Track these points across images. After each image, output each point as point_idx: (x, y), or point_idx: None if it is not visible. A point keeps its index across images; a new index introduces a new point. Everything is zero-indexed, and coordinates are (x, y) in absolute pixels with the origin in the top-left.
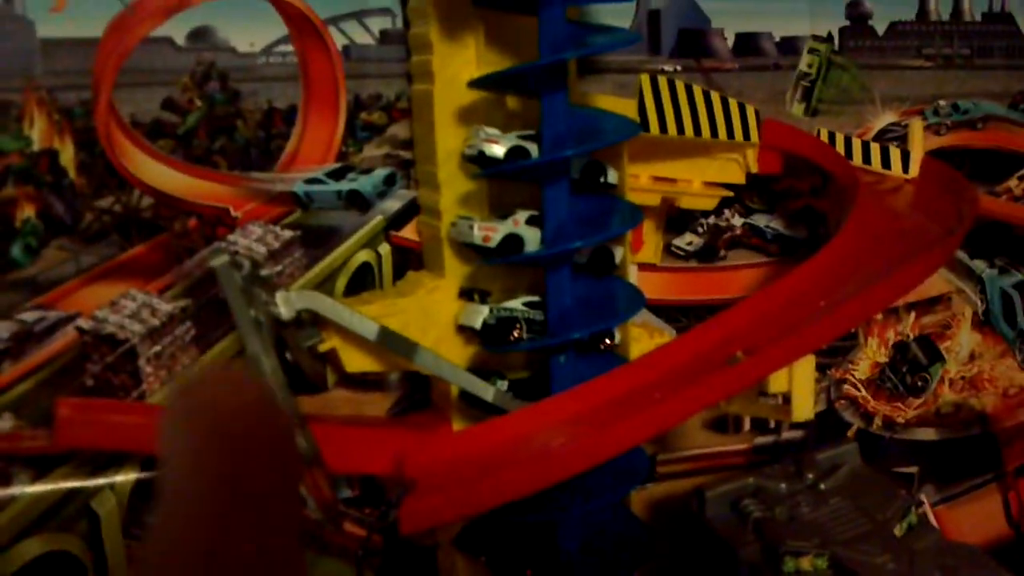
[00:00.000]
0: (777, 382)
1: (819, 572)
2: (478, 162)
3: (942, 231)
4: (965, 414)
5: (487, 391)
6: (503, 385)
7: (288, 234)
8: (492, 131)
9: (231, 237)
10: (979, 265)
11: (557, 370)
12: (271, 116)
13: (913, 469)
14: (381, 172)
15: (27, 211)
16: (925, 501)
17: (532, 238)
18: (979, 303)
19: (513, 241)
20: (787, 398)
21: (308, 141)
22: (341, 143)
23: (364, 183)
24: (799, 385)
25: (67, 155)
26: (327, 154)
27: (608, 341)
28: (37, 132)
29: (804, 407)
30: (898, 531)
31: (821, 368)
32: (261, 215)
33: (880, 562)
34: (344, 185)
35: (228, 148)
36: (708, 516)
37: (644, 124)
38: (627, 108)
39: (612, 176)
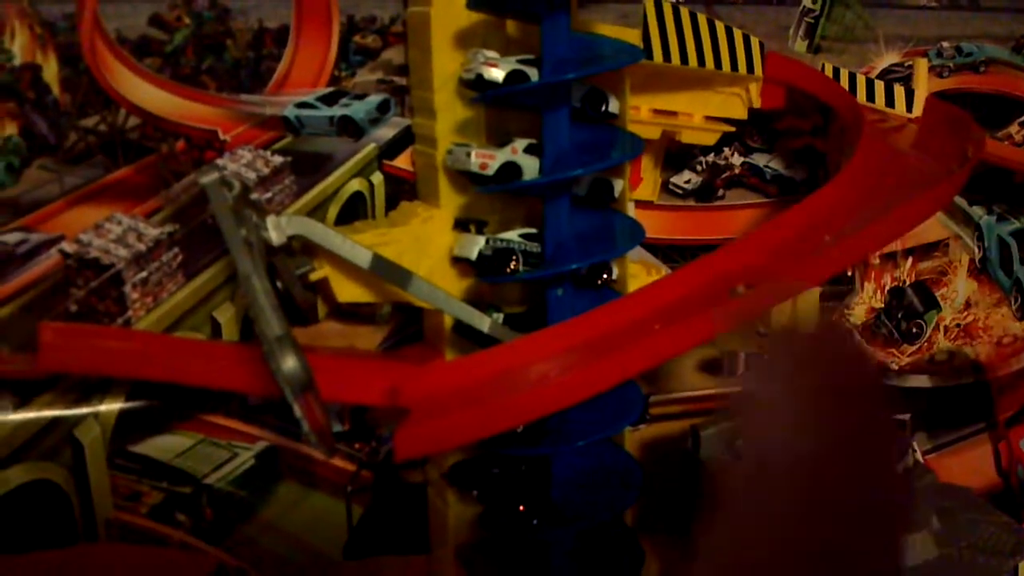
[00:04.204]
0: (780, 316)
1: None
2: (476, 86)
3: (947, 170)
4: (959, 362)
5: (483, 321)
6: (499, 318)
7: (278, 160)
8: (491, 54)
9: (220, 161)
10: (977, 211)
11: (554, 304)
12: (261, 36)
13: (905, 416)
14: (375, 98)
15: (8, 129)
16: (917, 449)
17: (530, 167)
18: (976, 250)
19: (511, 169)
20: None
21: (299, 64)
22: (334, 67)
23: (357, 109)
24: (803, 319)
25: (50, 71)
26: (319, 78)
27: (605, 276)
28: (18, 46)
29: None
30: None
31: None
32: (250, 139)
33: None
34: (336, 111)
35: (217, 68)
36: (703, 455)
37: (648, 51)
38: (630, 38)
39: (613, 106)
